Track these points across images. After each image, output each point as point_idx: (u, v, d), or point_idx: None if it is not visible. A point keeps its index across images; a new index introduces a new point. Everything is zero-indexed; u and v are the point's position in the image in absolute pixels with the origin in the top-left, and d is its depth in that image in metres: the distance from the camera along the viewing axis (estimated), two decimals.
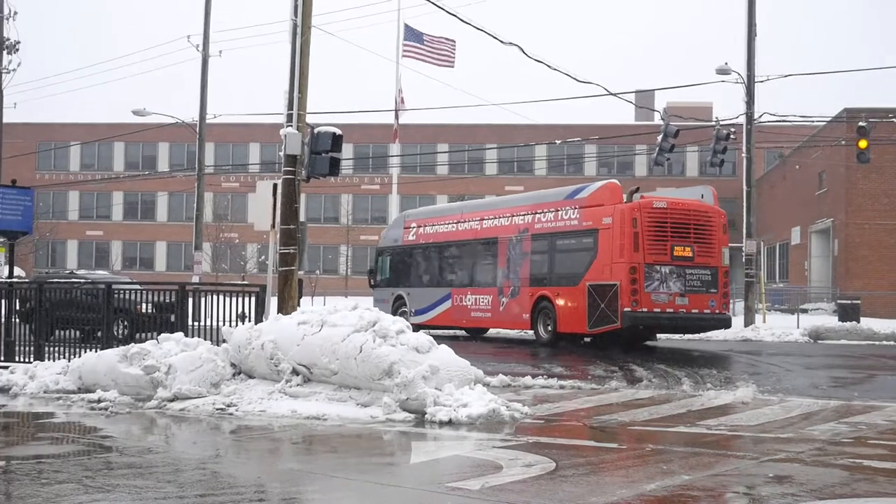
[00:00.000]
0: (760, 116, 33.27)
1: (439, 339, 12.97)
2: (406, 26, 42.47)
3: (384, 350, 11.76)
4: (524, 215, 25.41)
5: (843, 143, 40.52)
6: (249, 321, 14.66)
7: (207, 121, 40.28)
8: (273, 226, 18.11)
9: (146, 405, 12.57)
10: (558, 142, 53.85)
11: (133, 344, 13.81)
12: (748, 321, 31.87)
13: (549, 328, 23.82)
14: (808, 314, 37.52)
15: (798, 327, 30.12)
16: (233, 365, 13.41)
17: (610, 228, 22.10)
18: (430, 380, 11.48)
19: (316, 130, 17.72)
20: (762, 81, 32.40)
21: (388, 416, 11.20)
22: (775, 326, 30.71)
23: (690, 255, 22.27)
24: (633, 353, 21.15)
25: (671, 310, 22.01)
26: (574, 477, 8.01)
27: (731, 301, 41.51)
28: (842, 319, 31.40)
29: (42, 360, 16.15)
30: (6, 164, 43.32)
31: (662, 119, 32.36)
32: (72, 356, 15.54)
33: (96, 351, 14.67)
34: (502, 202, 29.64)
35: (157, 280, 60.85)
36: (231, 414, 11.93)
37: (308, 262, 60.29)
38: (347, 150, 52.49)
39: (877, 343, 26.25)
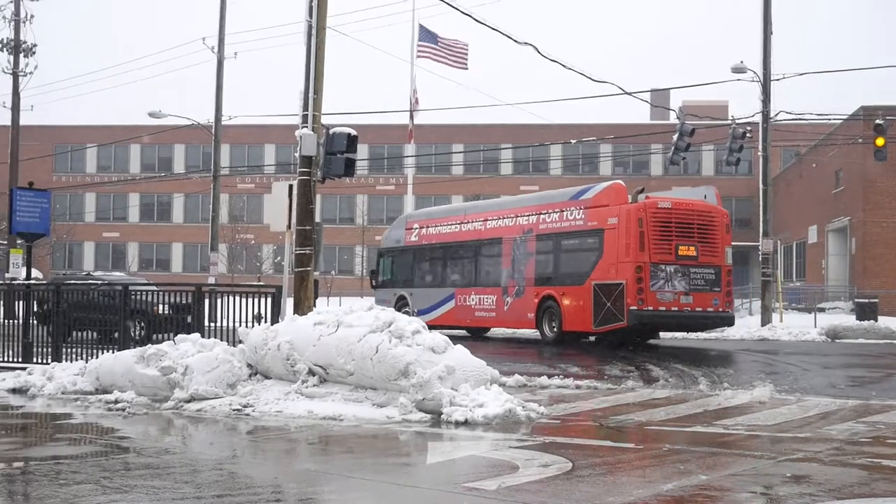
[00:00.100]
0: (776, 115, 33.14)
1: None
2: (420, 27, 42.48)
3: (400, 350, 11.76)
4: (529, 216, 25.65)
5: (860, 140, 40.29)
6: (265, 322, 14.69)
7: (223, 122, 40.41)
8: (289, 227, 18.13)
9: (163, 406, 12.60)
10: (573, 141, 53.76)
11: (150, 345, 13.85)
12: (765, 320, 31.73)
13: (555, 327, 24.10)
14: (826, 313, 37.32)
15: (815, 326, 29.99)
16: (249, 366, 13.44)
17: (616, 228, 22.39)
18: (446, 380, 11.48)
19: (331, 131, 17.74)
20: (778, 79, 32.30)
21: (404, 417, 11.20)
22: (792, 325, 30.59)
23: (694, 254, 22.61)
24: (649, 353, 21.11)
25: (676, 308, 22.33)
26: (591, 477, 7.99)
27: (749, 300, 41.76)
28: (859, 318, 31.27)
29: (60, 361, 16.21)
30: (23, 167, 43.55)
31: (678, 118, 32.26)
32: (89, 357, 15.61)
33: (113, 352, 14.72)
34: (506, 203, 29.82)
35: (174, 281, 61.07)
36: (248, 415, 11.95)
37: (324, 262, 60.36)
38: (362, 151, 52.46)
39: (895, 342, 26.10)
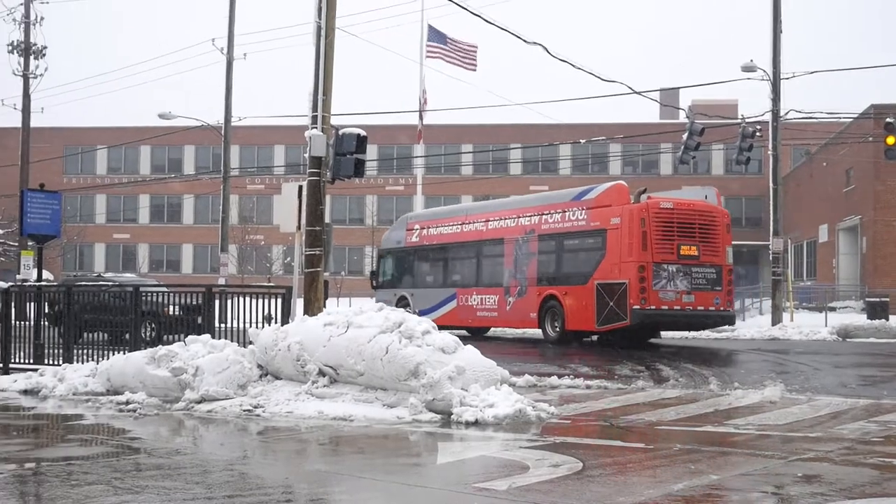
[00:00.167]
0: (787, 113, 33.06)
1: None
2: (430, 27, 42.51)
3: (410, 351, 11.77)
4: (531, 216, 25.89)
5: (871, 139, 40.16)
6: (276, 323, 14.70)
7: (232, 123, 40.49)
8: (299, 227, 18.15)
9: (174, 407, 12.63)
10: (583, 141, 53.71)
11: (160, 346, 13.88)
12: (776, 320, 31.66)
13: (557, 326, 24.33)
14: (836, 312, 37.23)
15: (826, 325, 29.91)
16: (259, 366, 13.45)
17: (618, 228, 22.63)
18: (456, 380, 11.47)
19: (340, 132, 17.76)
20: (788, 78, 32.23)
21: (414, 417, 11.21)
22: (803, 325, 30.52)
23: (696, 253, 22.88)
24: (658, 353, 21.09)
25: (678, 307, 22.62)
26: (601, 477, 7.99)
27: (759, 300, 41.66)
28: (870, 317, 31.18)
29: (71, 362, 16.26)
30: (34, 169, 43.71)
31: (688, 117, 32.21)
32: (100, 358, 15.65)
33: (124, 353, 14.75)
34: (508, 204, 30.00)
35: (184, 282, 61.14)
36: (258, 415, 11.97)
37: (333, 263, 60.40)
38: (372, 152, 52.58)
39: None
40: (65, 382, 14.62)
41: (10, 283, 19.47)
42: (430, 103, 43.93)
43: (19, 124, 42.80)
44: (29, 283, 22.27)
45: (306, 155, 17.98)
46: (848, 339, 26.38)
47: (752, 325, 33.39)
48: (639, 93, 31.71)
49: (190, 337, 13.92)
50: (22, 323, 17.99)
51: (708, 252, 23.08)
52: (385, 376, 11.93)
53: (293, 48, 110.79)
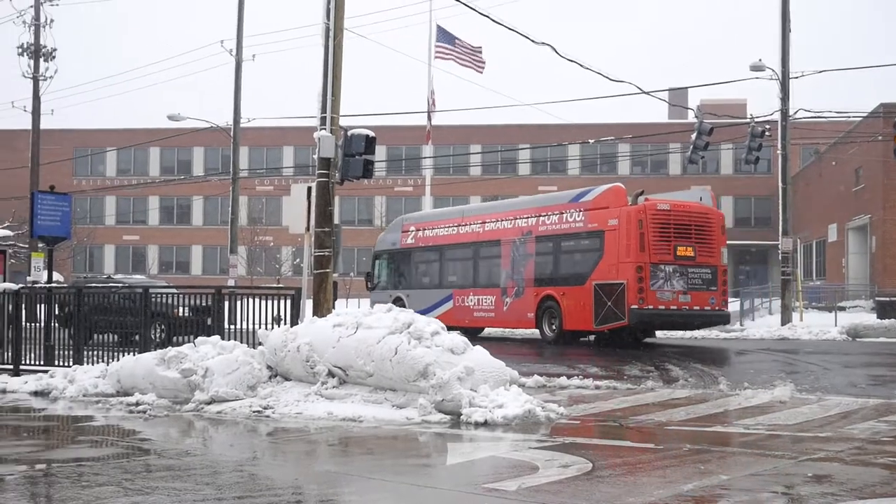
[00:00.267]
0: (796, 113, 32.99)
1: None
2: (438, 28, 42.50)
3: (419, 352, 11.77)
4: (528, 218, 26.28)
5: (880, 138, 40.04)
6: (285, 324, 14.72)
7: (241, 125, 40.54)
8: (308, 229, 18.18)
9: (184, 408, 12.65)
10: (591, 141, 53.66)
11: (170, 347, 13.91)
12: (785, 319, 31.61)
13: (555, 326, 24.77)
14: (846, 312, 37.12)
15: (836, 325, 29.84)
16: (269, 367, 13.48)
17: (616, 230, 23.07)
18: (465, 381, 11.48)
19: (349, 133, 17.80)
20: (797, 77, 32.16)
21: (423, 418, 11.21)
22: (813, 324, 30.46)
23: (692, 254, 23.33)
24: (667, 353, 21.06)
25: (675, 307, 23.07)
26: (611, 477, 7.98)
27: (769, 299, 41.57)
28: (880, 317, 31.09)
29: (81, 364, 16.30)
30: (44, 171, 43.87)
31: (696, 117, 32.19)
32: (110, 360, 15.69)
33: (134, 354, 14.78)
34: (504, 206, 30.27)
35: (193, 284, 61.15)
36: (268, 416, 11.99)
37: (342, 264, 60.52)
38: (380, 152, 52.54)
39: None
40: (75, 384, 14.66)
41: (21, 285, 19.50)
42: (439, 104, 43.96)
43: (29, 126, 42.94)
44: (39, 285, 22.33)
45: (315, 156, 18.03)
46: (858, 339, 26.33)
47: (762, 324, 33.34)
48: (647, 93, 31.68)
49: (200, 338, 13.95)
50: (32, 325, 18.03)
51: (703, 253, 23.54)
52: (394, 377, 11.95)
53: (301, 50, 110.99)
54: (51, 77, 42.70)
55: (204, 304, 16.28)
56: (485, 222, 28.03)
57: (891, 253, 42.70)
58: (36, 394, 14.83)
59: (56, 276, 32.70)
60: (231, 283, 37.56)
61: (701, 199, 24.70)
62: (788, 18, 31.89)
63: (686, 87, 53.31)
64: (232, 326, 15.95)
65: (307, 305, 16.63)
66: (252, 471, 8.72)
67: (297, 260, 63.44)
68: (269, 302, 15.72)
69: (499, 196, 52.19)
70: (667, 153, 65.30)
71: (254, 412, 12.15)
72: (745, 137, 32.68)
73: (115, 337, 17.21)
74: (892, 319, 29.21)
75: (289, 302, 15.38)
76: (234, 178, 40.45)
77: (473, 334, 28.04)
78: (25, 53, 42.17)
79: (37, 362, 17.24)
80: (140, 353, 14.87)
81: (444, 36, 42.44)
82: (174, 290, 18.19)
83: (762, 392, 13.43)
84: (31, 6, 42.41)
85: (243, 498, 7.35)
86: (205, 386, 12.81)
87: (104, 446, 10.64)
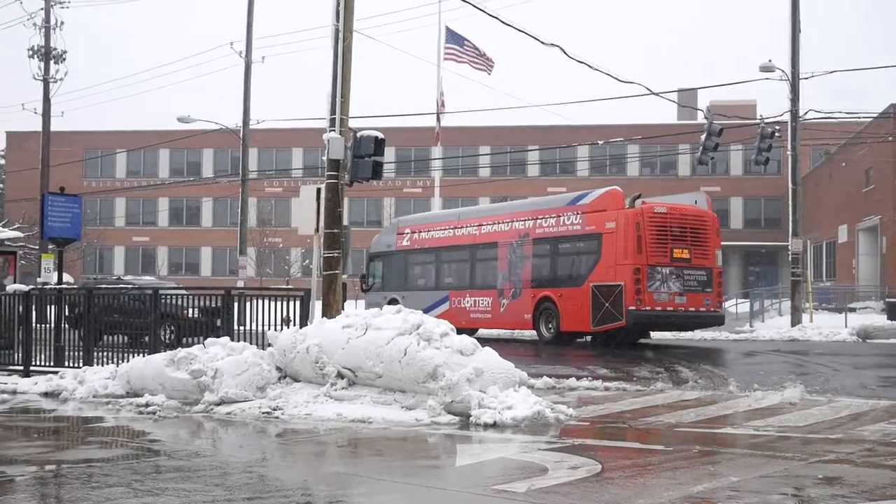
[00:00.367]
0: (805, 113, 32.93)
1: None
2: (447, 29, 42.49)
3: (428, 353, 11.77)
4: (525, 221, 26.66)
5: (891, 139, 39.98)
6: (294, 325, 14.74)
7: (251, 126, 40.61)
8: (317, 230, 18.20)
9: (193, 409, 12.67)
10: (600, 142, 53.61)
11: (180, 348, 13.92)
12: (795, 321, 31.54)
13: (552, 327, 25.16)
14: (856, 313, 37.02)
15: (846, 326, 29.77)
16: (278, 369, 13.49)
17: (614, 232, 23.51)
18: (474, 382, 11.47)
19: (359, 134, 17.81)
20: (807, 78, 32.12)
21: (432, 419, 11.21)
22: (822, 326, 30.38)
23: (688, 256, 23.80)
24: (678, 354, 21.03)
25: (671, 308, 23.55)
26: (620, 479, 7.97)
27: (778, 301, 41.49)
28: (890, 318, 31.01)
29: (91, 365, 16.34)
30: (54, 172, 44.02)
31: (706, 118, 32.15)
32: (120, 361, 15.71)
33: (144, 356, 14.80)
34: (501, 208, 30.77)
35: (203, 285, 61.31)
36: (277, 417, 12.00)
37: (352, 265, 60.45)
38: (389, 154, 52.61)
39: None
40: (85, 385, 14.69)
41: (31, 286, 19.55)
42: (448, 105, 43.94)
43: (40, 128, 43.07)
44: (49, 287, 22.39)
45: (324, 158, 18.05)
46: (868, 340, 26.26)
47: (772, 325, 33.28)
48: (656, 94, 31.66)
49: (209, 339, 13.97)
50: (42, 326, 18.09)
51: (699, 255, 24.00)
52: (403, 378, 11.94)
53: (311, 51, 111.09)
54: (61, 79, 42.86)
55: (213, 305, 16.30)
56: (481, 224, 28.39)
57: None
58: (46, 395, 14.87)
59: (66, 277, 32.79)
60: (240, 284, 37.62)
61: (696, 203, 25.16)
62: (798, 19, 31.84)
63: (695, 89, 53.23)
64: (241, 328, 15.97)
65: (316, 307, 16.64)
66: (261, 472, 8.73)
67: (307, 261, 63.57)
68: (279, 303, 15.73)
69: (508, 197, 52.18)
70: (676, 154, 65.23)
71: (263, 413, 12.17)
72: (755, 138, 32.65)
73: (125, 338, 17.25)
74: None
75: (298, 303, 15.39)
76: (243, 179, 40.51)
77: (468, 335, 28.16)
78: (36, 56, 42.32)
79: (47, 363, 17.28)
80: (150, 354, 14.89)
81: (453, 37, 42.42)
82: (184, 292, 18.22)
83: (772, 394, 13.39)
84: (42, 8, 42.57)
85: (253, 499, 7.36)
86: (214, 387, 12.83)
87: (114, 447, 10.65)
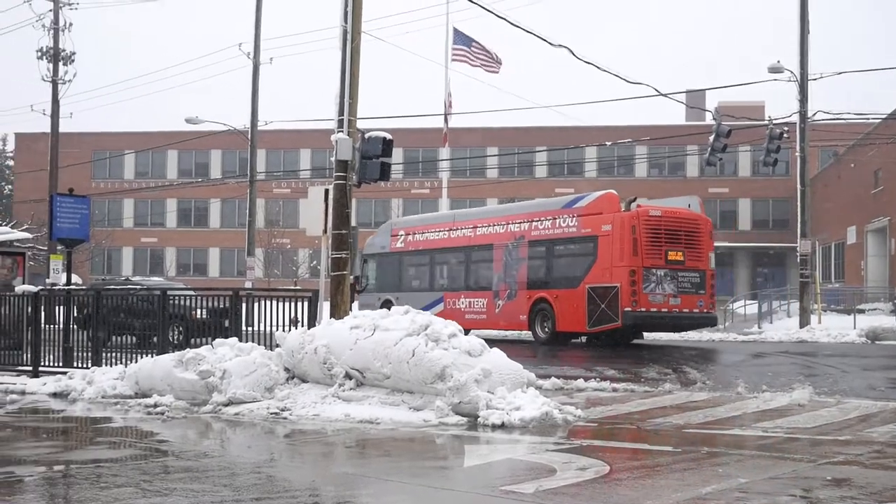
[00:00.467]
0: (814, 115, 32.87)
1: None
2: (455, 30, 42.48)
3: (436, 354, 11.77)
4: (520, 223, 27.02)
5: None
6: (302, 326, 14.75)
7: (259, 127, 40.62)
8: (325, 231, 18.21)
9: (201, 410, 12.69)
10: (608, 143, 53.57)
11: (188, 349, 13.94)
12: (803, 322, 31.49)
13: (547, 328, 25.57)
14: (865, 314, 36.92)
15: (854, 328, 29.69)
16: (286, 369, 13.51)
17: (610, 235, 23.94)
18: (482, 383, 11.47)
19: (367, 135, 17.81)
20: (816, 79, 32.08)
21: (440, 420, 11.21)
22: (831, 327, 30.31)
23: (682, 259, 24.23)
24: (686, 355, 21.00)
25: (665, 309, 23.97)
26: (628, 480, 7.96)
27: (787, 302, 41.42)
28: None
29: (99, 365, 16.38)
30: (63, 174, 44.10)
31: (714, 119, 32.10)
32: (128, 362, 15.74)
33: (152, 356, 14.83)
34: (496, 211, 31.25)
35: (211, 286, 61.50)
36: (285, 418, 12.01)
37: (359, 267, 60.49)
38: (397, 155, 52.53)
39: None
40: (93, 385, 14.72)
41: (40, 287, 19.60)
42: (456, 106, 43.92)
43: (48, 129, 43.18)
44: (58, 287, 22.44)
45: (332, 159, 18.03)
46: (877, 342, 26.20)
47: (780, 327, 33.22)
48: (665, 94, 31.64)
49: (217, 340, 13.99)
50: (51, 326, 18.13)
51: (692, 257, 24.41)
52: (411, 379, 11.95)
53: (319, 53, 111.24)
54: (70, 81, 42.97)
55: (221, 306, 16.32)
56: (476, 227, 28.73)
57: None
58: (55, 395, 14.90)
59: (75, 278, 32.87)
60: (248, 285, 37.67)
61: (689, 206, 25.54)
62: (807, 20, 31.78)
63: (703, 90, 53.14)
64: (249, 328, 15.99)
65: (324, 307, 16.64)
66: (270, 472, 8.74)
67: (314, 262, 63.64)
68: (287, 304, 15.74)
69: (515, 198, 52.16)
70: (684, 155, 65.14)
71: (271, 414, 12.18)
72: (763, 139, 32.58)
73: (133, 339, 17.27)
74: None
75: (306, 304, 15.40)
76: (251, 180, 40.54)
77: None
78: (45, 57, 42.41)
79: (55, 364, 17.32)
80: (158, 354, 14.92)
81: (461, 38, 42.41)
82: (192, 293, 18.24)
83: (780, 395, 13.36)
84: (51, 10, 42.65)
85: (261, 499, 7.37)
86: (222, 388, 12.85)
87: (122, 448, 10.67)
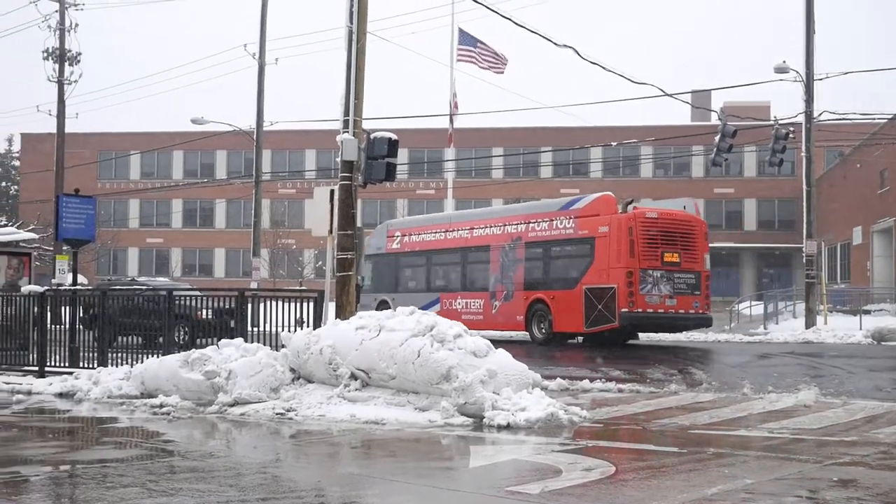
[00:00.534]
0: (820, 115, 32.80)
1: None
2: (460, 31, 42.45)
3: (442, 354, 11.77)
4: (517, 225, 27.25)
5: None
6: (308, 326, 14.76)
7: (264, 128, 40.65)
8: (330, 231, 18.21)
9: (207, 410, 12.70)
10: (614, 143, 53.53)
11: (194, 350, 13.95)
12: (809, 323, 31.43)
13: (544, 328, 25.80)
14: (871, 315, 36.81)
15: (860, 329, 29.62)
16: (292, 370, 13.51)
17: (607, 236, 24.18)
18: (487, 384, 11.47)
19: (372, 136, 17.81)
20: (821, 79, 32.00)
21: (446, 421, 11.21)
22: (837, 328, 30.25)
23: (678, 260, 24.48)
24: (692, 356, 20.98)
25: (662, 310, 24.22)
26: (634, 481, 7.96)
27: (792, 303, 41.36)
28: None
29: (105, 365, 16.40)
30: (69, 174, 44.14)
31: (720, 119, 32.07)
32: (134, 362, 15.76)
33: (158, 357, 14.85)
34: (493, 212, 31.55)
35: (217, 286, 61.53)
36: (290, 418, 12.01)
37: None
38: (402, 155, 52.46)
39: None
40: (99, 385, 14.74)
41: (46, 287, 19.63)
42: (461, 107, 43.87)
43: (54, 130, 43.22)
44: (64, 288, 22.45)
45: (338, 159, 18.03)
46: (883, 343, 26.14)
47: (786, 328, 33.17)
48: (670, 95, 31.61)
49: (223, 340, 14.00)
50: (57, 327, 18.16)
51: (688, 259, 24.68)
52: (417, 380, 11.95)
53: (324, 53, 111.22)
54: (75, 81, 42.96)
55: (227, 306, 16.34)
56: (473, 228, 28.91)
57: None
58: (61, 395, 14.93)
59: (80, 278, 32.89)
60: (254, 285, 37.66)
61: (685, 208, 25.79)
62: (813, 21, 31.71)
63: (709, 90, 53.18)
64: (255, 329, 16.00)
65: (330, 308, 16.65)
66: (275, 473, 8.74)
67: (320, 262, 63.61)
68: (292, 304, 15.76)
69: (521, 199, 52.14)
70: (690, 156, 65.05)
71: (276, 414, 12.19)
72: (769, 140, 32.58)
73: (139, 339, 17.30)
74: None
75: (311, 304, 15.41)
76: (256, 181, 40.57)
77: None
78: (50, 58, 42.43)
79: (61, 364, 17.35)
80: (164, 355, 14.94)
81: (467, 39, 42.38)
82: (197, 293, 18.26)
83: (786, 396, 13.35)
84: (57, 11, 42.70)
85: (267, 500, 7.37)
86: (228, 388, 12.86)
87: (128, 448, 10.68)
